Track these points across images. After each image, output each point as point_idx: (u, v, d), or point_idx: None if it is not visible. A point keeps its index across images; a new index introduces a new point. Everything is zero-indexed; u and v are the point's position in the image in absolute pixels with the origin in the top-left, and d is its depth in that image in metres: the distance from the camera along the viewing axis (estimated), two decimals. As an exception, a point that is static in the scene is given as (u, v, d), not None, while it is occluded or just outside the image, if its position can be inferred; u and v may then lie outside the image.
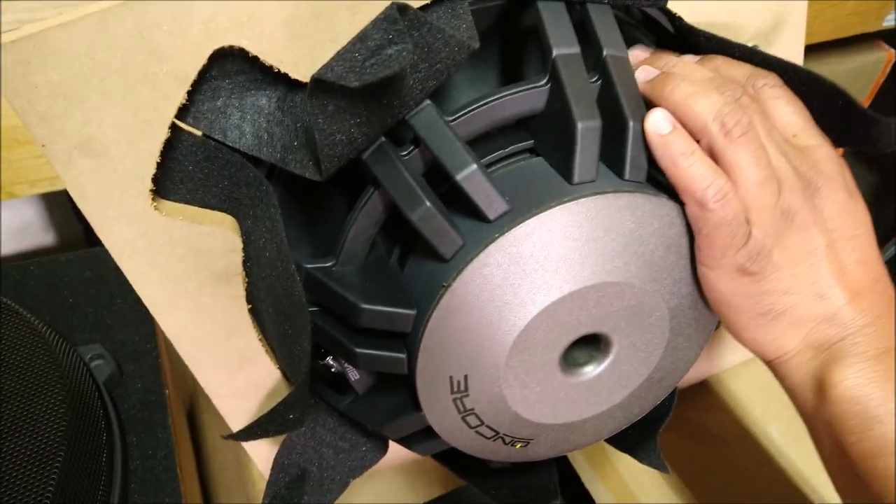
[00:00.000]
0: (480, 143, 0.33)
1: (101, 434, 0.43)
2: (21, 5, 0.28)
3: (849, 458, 0.30)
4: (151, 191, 0.31)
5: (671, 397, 0.43)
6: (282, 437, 0.41)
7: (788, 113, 0.33)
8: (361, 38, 0.26)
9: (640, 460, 0.43)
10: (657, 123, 0.31)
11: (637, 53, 0.36)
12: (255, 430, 0.35)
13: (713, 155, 0.31)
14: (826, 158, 0.32)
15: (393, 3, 0.26)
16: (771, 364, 0.34)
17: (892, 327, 0.31)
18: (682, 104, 0.31)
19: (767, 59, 0.35)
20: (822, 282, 0.31)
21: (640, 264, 0.32)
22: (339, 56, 0.26)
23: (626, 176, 0.31)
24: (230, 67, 0.30)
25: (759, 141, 0.30)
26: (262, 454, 0.44)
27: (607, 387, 0.36)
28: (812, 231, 0.31)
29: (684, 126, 0.31)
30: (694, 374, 0.55)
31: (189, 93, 0.30)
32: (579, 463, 0.55)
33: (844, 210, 0.32)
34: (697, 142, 0.31)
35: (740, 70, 0.34)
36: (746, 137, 0.30)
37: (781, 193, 0.30)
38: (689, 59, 0.35)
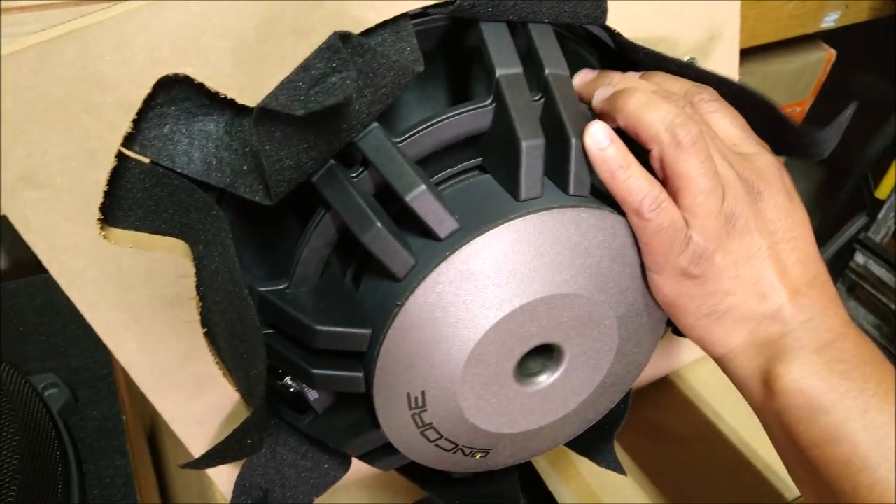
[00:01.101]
0: (430, 162, 0.33)
1: (56, 465, 0.42)
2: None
3: (799, 447, 0.32)
4: (99, 220, 0.31)
5: (625, 401, 0.44)
6: (245, 459, 0.41)
7: (727, 124, 0.35)
8: (305, 67, 0.26)
9: (598, 463, 0.45)
10: (596, 136, 0.32)
11: (583, 76, 0.37)
12: (212, 458, 0.35)
13: (664, 163, 0.32)
14: (767, 164, 0.34)
15: (335, 32, 0.27)
16: (719, 360, 0.35)
17: (832, 321, 0.33)
18: (635, 114, 0.32)
19: (702, 74, 0.36)
20: (764, 282, 0.33)
21: (587, 275, 0.33)
22: (284, 85, 0.26)
23: (571, 191, 0.32)
24: (176, 94, 0.30)
25: (707, 151, 0.32)
26: (223, 477, 0.44)
27: (562, 394, 0.37)
28: (754, 235, 0.32)
29: (637, 135, 0.32)
30: (651, 373, 0.57)
31: (135, 121, 0.30)
32: (542, 466, 0.55)
33: (784, 212, 0.33)
34: (649, 151, 0.32)
35: (679, 85, 0.36)
36: (695, 147, 0.31)
37: (726, 199, 0.32)
38: (632, 76, 0.36)
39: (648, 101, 0.32)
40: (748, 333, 0.33)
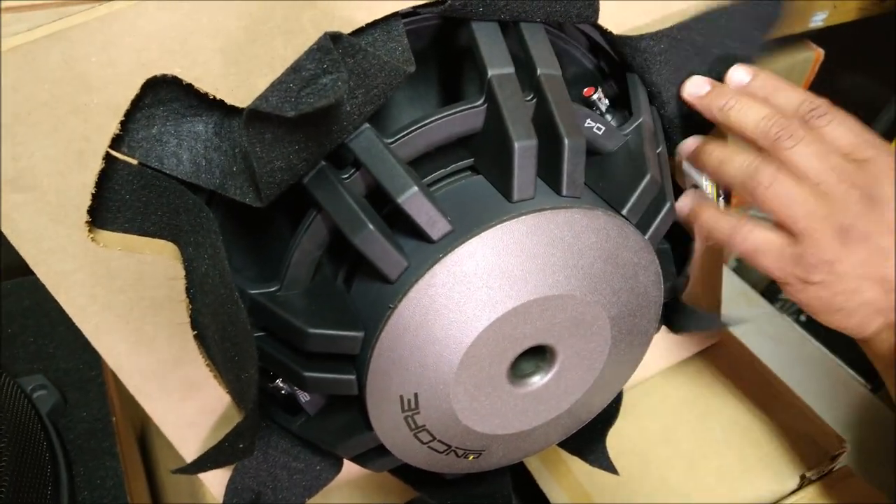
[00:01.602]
0: (422, 163, 0.33)
1: (45, 467, 0.42)
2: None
3: None
4: (87, 222, 0.31)
5: (617, 400, 0.44)
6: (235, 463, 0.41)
7: (840, 133, 0.36)
8: (295, 68, 0.26)
9: (590, 462, 0.45)
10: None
11: (695, 87, 0.39)
12: (205, 462, 0.35)
13: (758, 206, 0.36)
14: (883, 167, 0.35)
15: (326, 33, 0.26)
16: (860, 343, 0.39)
17: None
18: (717, 172, 0.37)
19: (684, 26, 0.38)
20: (889, 277, 0.35)
21: (580, 277, 0.32)
22: (274, 87, 0.26)
23: (564, 192, 0.32)
24: (164, 95, 0.30)
25: (791, 180, 0.35)
26: (215, 479, 0.44)
27: (555, 395, 0.37)
28: (874, 238, 0.35)
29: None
30: (642, 373, 0.57)
31: (122, 122, 0.29)
32: (534, 465, 0.56)
33: None
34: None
35: (790, 98, 0.37)
36: (774, 187, 0.35)
37: (832, 215, 0.35)
38: (741, 81, 0.39)
39: (723, 158, 0.37)
40: (881, 321, 0.37)
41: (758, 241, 0.36)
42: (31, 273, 0.32)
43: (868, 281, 0.35)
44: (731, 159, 0.36)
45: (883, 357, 0.38)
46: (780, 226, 0.36)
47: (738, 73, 0.38)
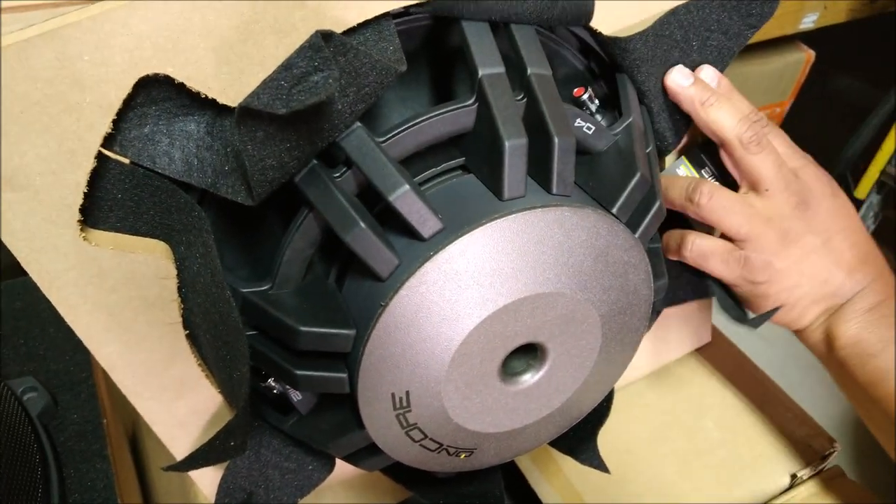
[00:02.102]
0: (413, 162, 0.33)
1: (35, 470, 0.42)
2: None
3: (858, 387, 0.40)
4: (79, 221, 0.31)
5: (608, 399, 0.45)
6: (226, 462, 0.41)
7: (779, 143, 0.41)
8: (287, 66, 0.26)
9: (581, 461, 0.45)
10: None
11: (678, 78, 0.40)
12: (196, 460, 0.35)
13: (701, 219, 0.41)
14: (810, 176, 0.41)
15: (317, 31, 0.26)
16: (797, 333, 0.44)
17: (881, 287, 0.41)
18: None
19: (664, 21, 0.39)
20: (824, 270, 0.41)
21: (570, 274, 0.33)
22: (266, 84, 0.26)
23: (554, 190, 0.32)
24: (156, 94, 0.30)
25: (732, 196, 0.40)
26: (206, 479, 0.44)
27: (546, 393, 0.37)
28: (807, 237, 0.40)
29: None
30: (634, 372, 0.57)
31: (115, 121, 0.29)
32: (524, 464, 0.56)
33: (831, 211, 0.40)
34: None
35: (741, 107, 0.40)
36: (711, 206, 0.40)
37: (772, 220, 0.39)
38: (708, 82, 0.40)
39: (666, 184, 0.42)
40: (817, 311, 0.42)
41: (704, 248, 0.41)
42: (22, 275, 0.32)
43: (805, 276, 0.40)
44: (673, 183, 0.41)
45: (815, 345, 0.43)
46: (724, 235, 0.41)
47: (707, 74, 0.40)
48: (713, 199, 0.39)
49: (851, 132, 1.06)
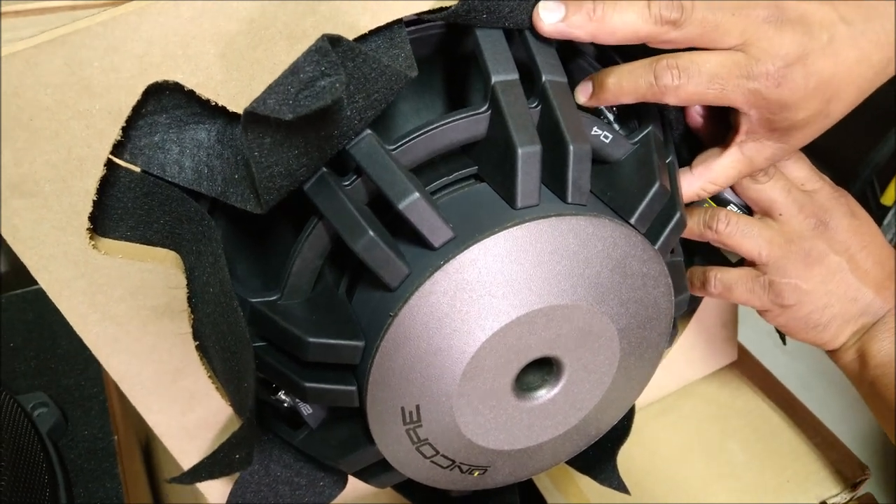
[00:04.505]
0: (425, 170, 0.33)
1: (44, 490, 0.41)
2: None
3: (889, 407, 0.40)
4: (88, 229, 0.31)
5: (629, 417, 0.43)
6: (237, 476, 0.40)
7: (796, 168, 0.41)
8: (293, 70, 0.26)
9: (600, 482, 0.43)
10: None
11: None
12: (200, 472, 0.34)
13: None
14: (828, 196, 0.41)
15: (325, 35, 0.26)
16: (830, 354, 0.44)
17: None
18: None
19: None
20: (852, 288, 0.40)
21: (586, 286, 0.32)
22: (272, 89, 0.25)
23: (569, 199, 0.31)
24: (166, 102, 0.30)
25: (748, 221, 0.40)
26: (217, 493, 0.43)
27: (562, 410, 0.36)
28: (830, 256, 0.40)
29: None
30: (656, 391, 0.56)
31: (124, 129, 0.29)
32: (543, 484, 0.54)
33: (852, 230, 0.40)
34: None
35: None
36: (730, 231, 0.40)
37: (793, 242, 0.40)
38: None
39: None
40: (850, 330, 0.42)
41: (727, 280, 0.41)
42: (33, 284, 0.31)
43: (833, 295, 0.40)
44: (691, 212, 0.40)
45: (848, 364, 0.42)
46: (745, 262, 0.41)
47: None
48: (731, 225, 0.40)
49: (878, 137, 1.04)
